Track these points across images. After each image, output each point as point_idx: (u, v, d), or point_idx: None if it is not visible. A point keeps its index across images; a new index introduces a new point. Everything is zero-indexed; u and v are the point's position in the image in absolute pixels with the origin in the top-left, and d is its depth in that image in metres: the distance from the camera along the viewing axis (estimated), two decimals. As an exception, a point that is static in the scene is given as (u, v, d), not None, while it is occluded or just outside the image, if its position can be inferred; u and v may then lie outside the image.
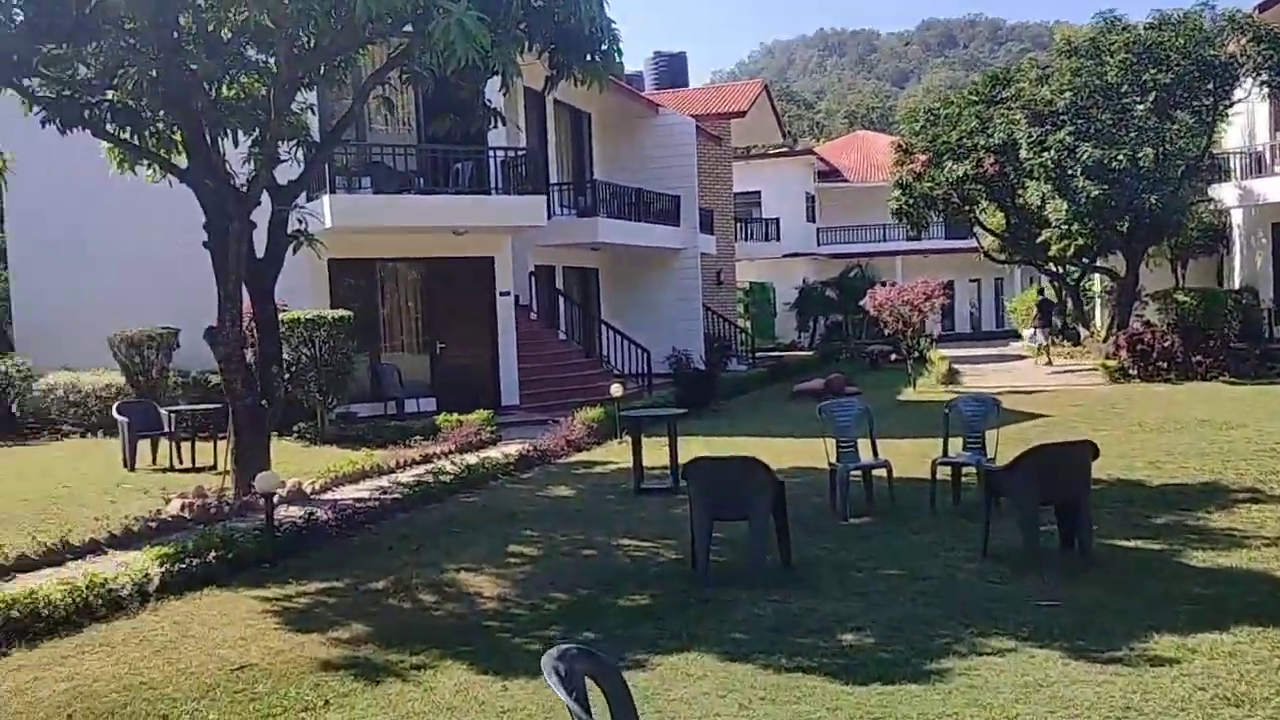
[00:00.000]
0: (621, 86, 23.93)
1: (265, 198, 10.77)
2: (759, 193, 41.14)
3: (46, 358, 18.00)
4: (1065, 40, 20.66)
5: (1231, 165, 23.25)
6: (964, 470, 9.27)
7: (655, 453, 11.72)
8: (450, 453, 13.61)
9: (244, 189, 10.46)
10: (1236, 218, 25.28)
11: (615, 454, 13.33)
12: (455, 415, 14.98)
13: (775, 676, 5.32)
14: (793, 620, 6.19)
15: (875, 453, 9.50)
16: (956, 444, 9.55)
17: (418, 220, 16.49)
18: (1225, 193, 22.63)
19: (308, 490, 11.03)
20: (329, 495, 11.09)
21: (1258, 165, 22.77)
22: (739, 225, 37.26)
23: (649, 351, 21.32)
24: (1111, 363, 20.46)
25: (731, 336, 29.70)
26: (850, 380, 21.90)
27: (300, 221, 10.91)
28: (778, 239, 38.23)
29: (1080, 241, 24.10)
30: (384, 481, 11.82)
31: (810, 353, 34.20)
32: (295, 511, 9.95)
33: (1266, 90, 19.23)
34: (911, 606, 6.41)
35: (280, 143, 11.15)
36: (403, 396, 17.13)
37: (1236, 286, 24.34)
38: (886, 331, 21.10)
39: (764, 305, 40.42)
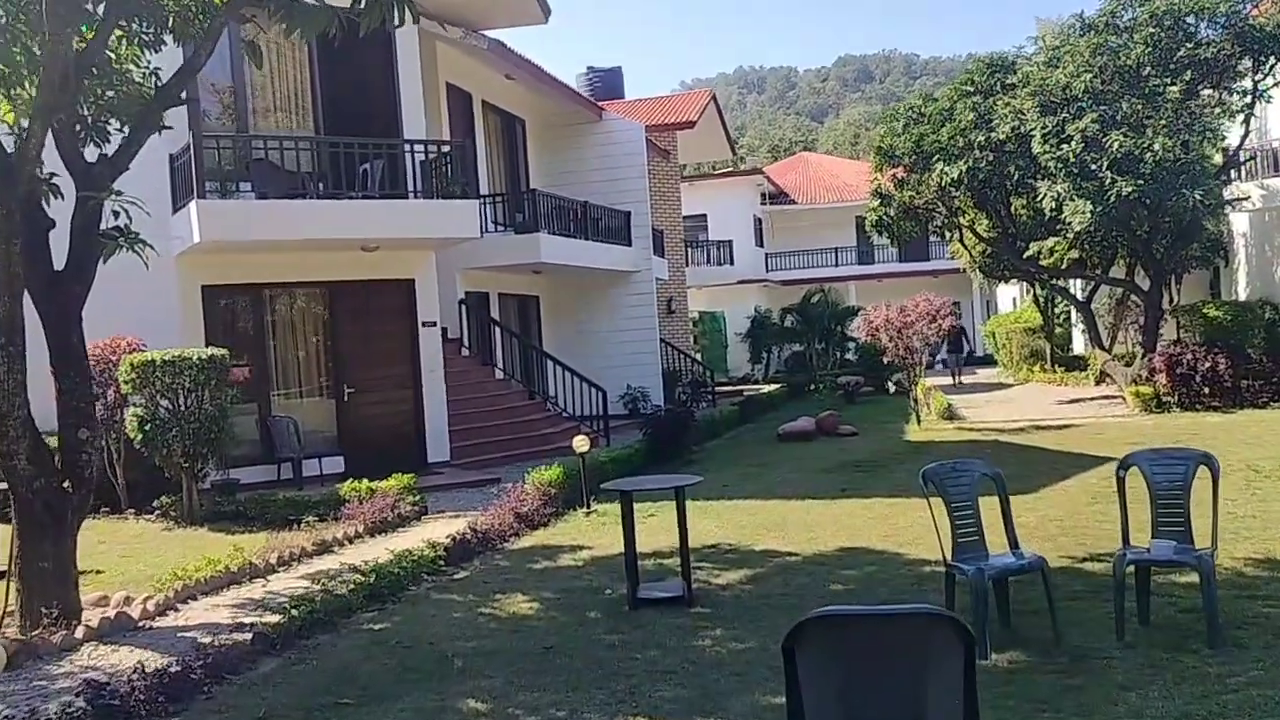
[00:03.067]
0: (559, 86, 20.68)
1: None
2: (704, 215, 38.12)
3: None
4: (1075, 18, 17.93)
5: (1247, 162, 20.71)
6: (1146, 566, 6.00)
7: (641, 528, 8.33)
8: (357, 537, 10.02)
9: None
10: (1239, 224, 22.77)
11: (585, 532, 9.87)
12: (365, 482, 11.37)
13: None
14: None
15: (1013, 541, 6.19)
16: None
17: (313, 232, 12.90)
18: (1248, 192, 20.04)
19: (136, 613, 7.38)
20: (170, 620, 7.45)
21: (1275, 163, 20.25)
22: (690, 249, 34.19)
23: (604, 390, 17.90)
24: (1145, 389, 17.59)
25: (692, 371, 26.46)
26: (840, 418, 18.73)
27: (120, 215, 7.30)
28: (730, 263, 35.15)
29: (1075, 254, 21.37)
30: (258, 590, 8.22)
31: (771, 386, 31.08)
32: (105, 657, 6.37)
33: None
34: None
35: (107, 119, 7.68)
36: (300, 457, 13.47)
37: (1241, 300, 21.79)
38: (886, 359, 17.98)
39: (715, 336, 37.24)
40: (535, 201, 18.57)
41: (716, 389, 29.52)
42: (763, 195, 42.18)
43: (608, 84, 34.21)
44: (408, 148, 13.88)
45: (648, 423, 15.17)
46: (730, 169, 43.90)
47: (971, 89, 19.18)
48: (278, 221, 12.70)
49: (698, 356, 34.27)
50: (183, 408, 11.17)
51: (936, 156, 19.25)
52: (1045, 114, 17.11)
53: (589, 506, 10.56)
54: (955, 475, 6.08)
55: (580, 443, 10.44)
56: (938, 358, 31.33)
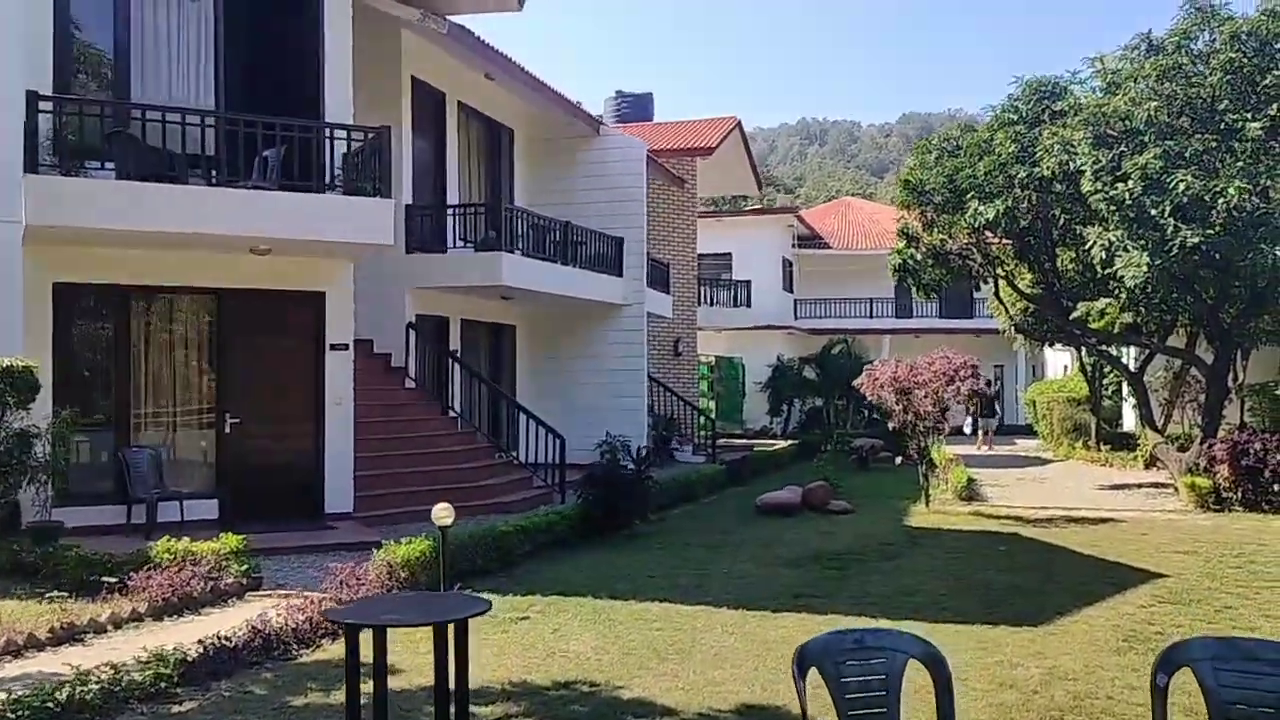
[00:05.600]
0: (546, 90, 18.36)
1: None
2: (729, 254, 35.59)
3: None
4: (1141, 38, 15.20)
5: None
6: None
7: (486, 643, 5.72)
8: (133, 619, 7.53)
9: None
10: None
11: (414, 643, 7.25)
12: (185, 542, 8.88)
13: None
14: None
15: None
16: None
17: (180, 224, 10.51)
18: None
19: None
20: None
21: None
22: (706, 288, 31.65)
23: (561, 437, 15.35)
24: (1202, 481, 14.65)
25: (686, 419, 23.82)
26: (835, 489, 15.97)
27: None
28: (748, 305, 32.44)
29: (1129, 317, 18.49)
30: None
31: (784, 443, 28.32)
32: None
33: None
34: None
35: None
36: (156, 498, 11.03)
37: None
38: (891, 425, 15.23)
39: (731, 383, 34.55)
40: (503, 216, 16.17)
41: (722, 440, 26.99)
42: (796, 238, 39.57)
43: (636, 108, 32.08)
44: (322, 133, 11.56)
45: (584, 482, 12.54)
46: (761, 207, 41.36)
47: (1015, 117, 16.49)
48: (136, 209, 10.35)
49: (708, 405, 31.71)
50: (-35, 430, 8.82)
51: (971, 194, 16.58)
52: (1099, 147, 14.39)
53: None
54: (860, 660, 3.42)
55: (441, 513, 7.89)
56: (966, 421, 29.00)
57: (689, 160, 25.97)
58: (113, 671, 5.71)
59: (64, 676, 5.80)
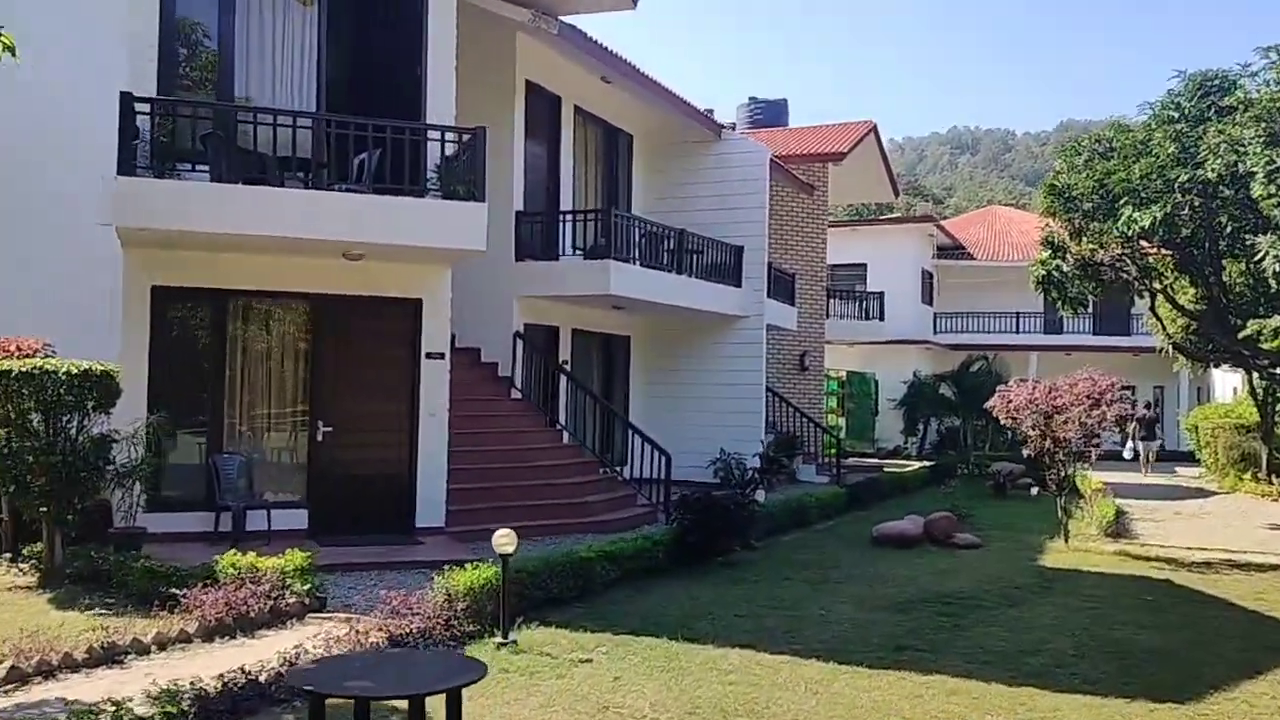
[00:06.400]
0: (664, 92, 17.71)
1: None
2: (864, 265, 34.21)
3: None
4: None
5: None
6: None
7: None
8: (181, 639, 7.17)
9: None
10: None
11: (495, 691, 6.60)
12: (250, 556, 8.53)
13: None
14: None
15: None
16: None
17: (271, 228, 10.22)
18: None
19: None
20: None
21: None
22: (837, 300, 30.41)
23: (667, 454, 14.64)
24: (1395, 526, 12.80)
25: (810, 436, 22.74)
26: (963, 519, 14.70)
27: None
28: (880, 318, 30.96)
29: (1309, 337, 16.50)
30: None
31: (918, 464, 26.85)
32: None
33: None
34: None
35: None
36: (243, 506, 10.84)
37: None
38: (1026, 452, 13.89)
39: (863, 400, 33.12)
40: (613, 222, 15.58)
41: (852, 459, 25.82)
42: (937, 248, 37.79)
43: (770, 114, 31.24)
44: (419, 136, 11.18)
45: (679, 506, 11.72)
46: (899, 215, 39.71)
47: (1176, 114, 14.91)
48: (228, 212, 10.15)
49: (837, 422, 30.48)
50: (44, 435, 8.71)
51: (1125, 199, 15.06)
52: (1273, 146, 12.77)
53: (505, 636, 7.30)
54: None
55: (501, 540, 7.25)
56: (1126, 447, 27.11)
57: (820, 166, 24.93)
58: (114, 710, 5.25)
59: (49, 712, 5.40)
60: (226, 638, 7.41)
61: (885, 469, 24.72)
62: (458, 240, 10.94)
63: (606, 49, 15.70)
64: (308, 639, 6.94)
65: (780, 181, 22.76)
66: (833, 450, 22.69)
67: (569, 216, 16.45)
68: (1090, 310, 34.72)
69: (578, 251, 16.18)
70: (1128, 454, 27.06)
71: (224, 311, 11.48)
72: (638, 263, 15.92)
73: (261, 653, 6.84)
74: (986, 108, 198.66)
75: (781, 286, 21.56)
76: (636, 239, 16.15)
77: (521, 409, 15.06)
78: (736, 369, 19.19)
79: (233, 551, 8.64)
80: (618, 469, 15.83)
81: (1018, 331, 36.88)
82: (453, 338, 12.80)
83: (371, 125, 10.91)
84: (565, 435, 15.64)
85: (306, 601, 8.17)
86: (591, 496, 13.91)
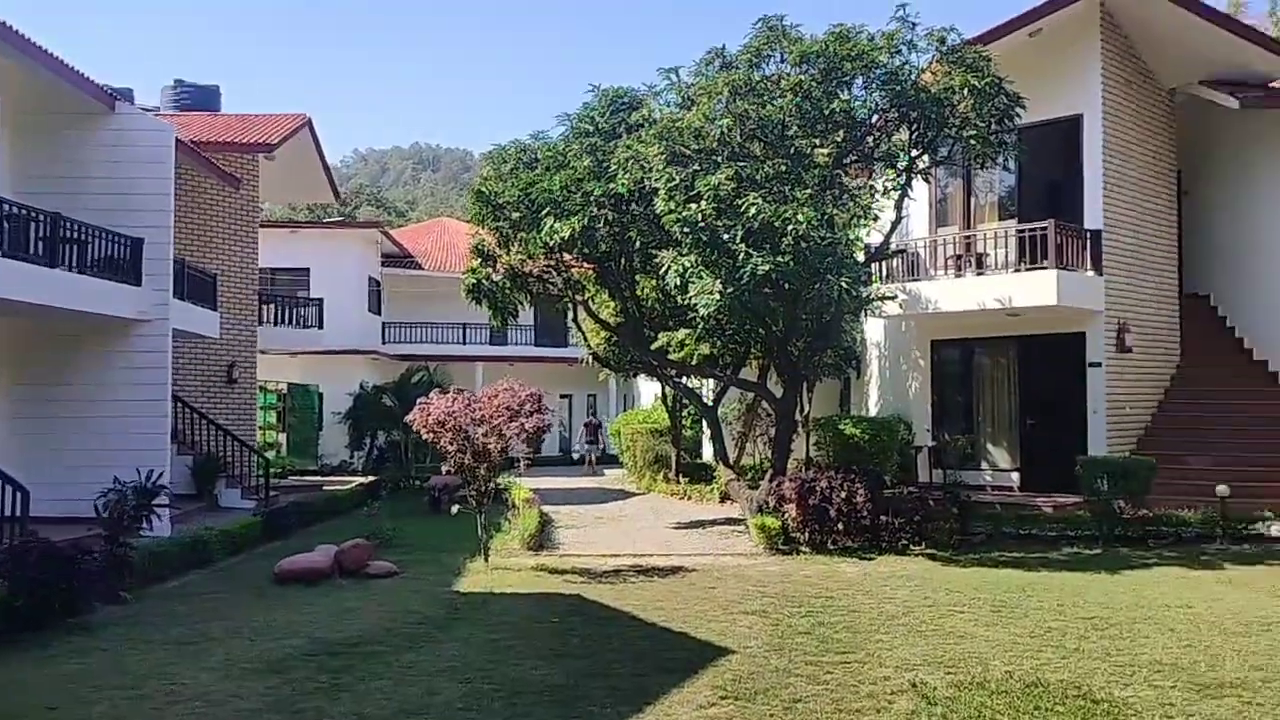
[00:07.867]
0: (44, 54, 14.50)
1: None
2: (307, 270, 32.17)
3: None
4: (715, 54, 14.44)
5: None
6: None
7: None
8: None
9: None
10: (873, 332, 20.48)
11: None
12: None
13: None
14: None
15: None
16: None
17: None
18: (894, 291, 17.42)
19: None
20: None
21: (914, 266, 17.83)
22: (276, 307, 28.04)
23: (23, 489, 11.73)
24: (771, 521, 13.99)
25: (236, 456, 20.38)
26: (385, 543, 13.62)
27: None
28: (319, 326, 29.09)
29: (706, 348, 17.90)
30: None
31: (361, 480, 25.60)
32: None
33: (971, 149, 13.98)
34: None
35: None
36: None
37: (876, 416, 19.30)
38: (446, 468, 13.17)
39: (306, 414, 31.20)
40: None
41: (289, 480, 23.94)
42: (386, 256, 36.88)
43: (200, 100, 27.90)
44: None
45: (5, 559, 9.17)
46: (343, 219, 38.24)
47: (591, 128, 15.21)
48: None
49: (275, 438, 28.18)
50: None
51: (547, 210, 15.01)
52: (673, 164, 13.36)
53: None
54: None
55: None
56: (575, 449, 29.88)
57: (249, 159, 22.73)
58: None
59: None
60: None
61: (325, 488, 23.12)
62: None
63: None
64: None
65: (199, 170, 20.21)
66: (262, 471, 20.57)
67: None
68: (531, 322, 36.18)
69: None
70: (576, 455, 29.24)
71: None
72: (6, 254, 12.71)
73: None
74: (445, 125, 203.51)
75: (199, 288, 19.01)
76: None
77: None
78: (137, 382, 16.33)
79: None
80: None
81: (464, 343, 37.30)
82: None
83: None
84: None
85: None
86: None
